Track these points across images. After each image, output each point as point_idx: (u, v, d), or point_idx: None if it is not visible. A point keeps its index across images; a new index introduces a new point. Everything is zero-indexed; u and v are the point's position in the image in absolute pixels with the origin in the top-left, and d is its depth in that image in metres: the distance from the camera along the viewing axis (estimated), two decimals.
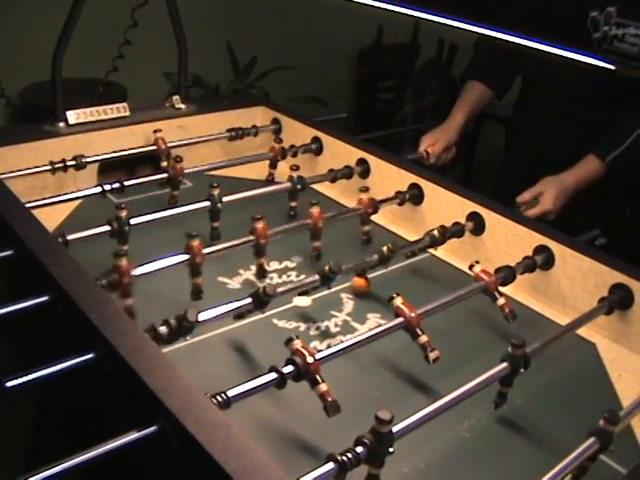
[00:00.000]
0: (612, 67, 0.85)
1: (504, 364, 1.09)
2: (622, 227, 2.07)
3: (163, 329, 1.09)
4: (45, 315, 1.11)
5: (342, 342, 1.13)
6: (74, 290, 1.05)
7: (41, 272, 1.11)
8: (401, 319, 1.19)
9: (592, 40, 0.86)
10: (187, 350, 1.20)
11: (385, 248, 1.40)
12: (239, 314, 1.20)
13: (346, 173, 1.80)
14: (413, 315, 1.19)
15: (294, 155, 1.93)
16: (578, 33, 0.84)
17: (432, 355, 1.19)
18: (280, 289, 1.24)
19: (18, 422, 1.33)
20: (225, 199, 1.56)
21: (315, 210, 1.50)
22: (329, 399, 1.05)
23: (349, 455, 0.86)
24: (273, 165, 1.92)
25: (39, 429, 1.31)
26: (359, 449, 0.88)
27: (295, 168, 1.71)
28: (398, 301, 1.20)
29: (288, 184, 1.70)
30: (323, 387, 1.05)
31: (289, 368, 1.03)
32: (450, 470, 1.05)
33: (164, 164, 1.82)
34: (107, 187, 1.60)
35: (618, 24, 0.90)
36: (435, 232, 1.50)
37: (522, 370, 1.11)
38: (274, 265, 1.53)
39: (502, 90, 2.32)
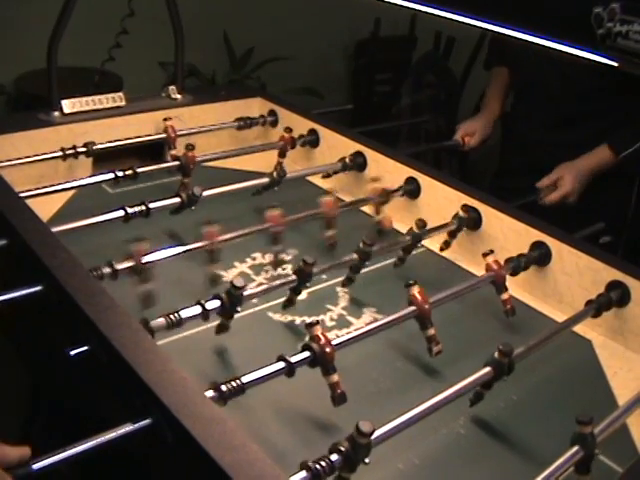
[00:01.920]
0: (615, 64, 0.84)
1: (487, 369, 1.08)
2: (624, 224, 2.07)
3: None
4: (38, 306, 1.10)
5: (356, 330, 1.15)
6: (68, 281, 1.04)
7: (35, 262, 1.10)
8: (414, 308, 1.20)
9: (596, 36, 0.85)
10: (181, 343, 1.19)
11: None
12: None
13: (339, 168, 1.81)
14: (426, 306, 1.20)
15: (292, 147, 1.92)
16: (582, 29, 0.84)
17: (435, 349, 1.20)
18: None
19: (10, 415, 1.32)
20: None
21: (328, 199, 1.52)
22: (338, 390, 1.06)
23: (322, 463, 0.85)
24: (283, 155, 1.91)
25: (32, 422, 1.31)
26: (334, 457, 0.86)
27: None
28: (415, 290, 1.20)
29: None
30: (335, 377, 1.06)
31: (305, 354, 1.04)
32: (445, 466, 1.05)
33: (173, 152, 1.81)
34: (119, 173, 1.61)
35: (622, 21, 0.90)
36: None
37: (505, 378, 1.09)
38: (270, 258, 1.52)
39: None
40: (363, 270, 1.44)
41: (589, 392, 1.26)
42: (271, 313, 1.34)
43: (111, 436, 0.83)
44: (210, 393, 0.95)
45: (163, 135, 1.85)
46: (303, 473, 0.83)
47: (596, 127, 2.05)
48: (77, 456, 0.81)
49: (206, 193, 1.54)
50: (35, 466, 0.78)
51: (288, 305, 1.32)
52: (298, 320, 1.33)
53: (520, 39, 0.93)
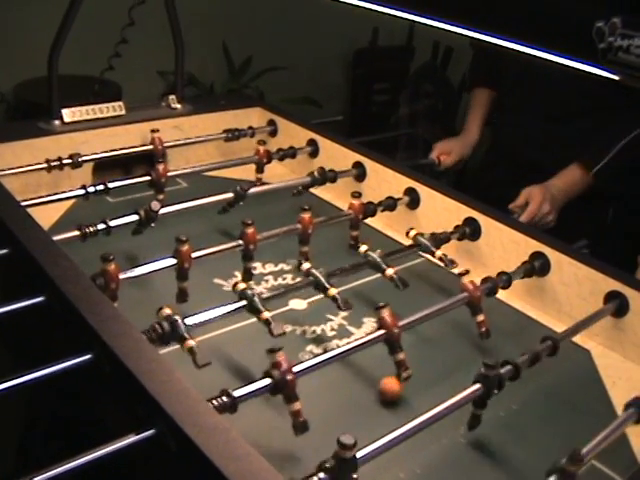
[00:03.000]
0: (617, 78, 0.85)
1: (477, 385, 1.07)
2: (604, 235, 2.06)
3: None
4: (41, 316, 1.10)
5: (317, 355, 1.12)
6: (71, 291, 1.04)
7: (37, 272, 1.10)
8: (383, 331, 1.17)
9: (597, 51, 0.86)
10: (181, 353, 1.19)
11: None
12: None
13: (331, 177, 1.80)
14: (396, 330, 1.17)
15: (293, 157, 1.92)
16: (583, 43, 0.85)
17: (404, 374, 1.17)
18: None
19: (7, 425, 1.32)
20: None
21: (306, 216, 1.49)
22: (300, 419, 1.04)
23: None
24: (260, 169, 1.88)
25: (30, 433, 1.30)
26: (321, 475, 0.85)
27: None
28: (385, 312, 1.18)
29: (308, 179, 1.75)
30: (297, 405, 1.04)
31: (266, 381, 1.02)
32: (446, 476, 1.06)
33: (160, 166, 1.80)
34: (91, 189, 1.57)
35: (623, 35, 0.91)
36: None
37: (496, 392, 1.08)
38: (269, 267, 1.53)
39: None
40: (364, 279, 1.45)
41: (588, 402, 1.26)
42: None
43: (115, 447, 0.83)
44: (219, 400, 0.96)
45: (150, 147, 1.83)
46: None
47: (582, 129, 2.04)
48: (80, 468, 0.81)
49: (171, 209, 1.51)
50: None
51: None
52: (299, 330, 1.34)
53: (519, 52, 0.93)
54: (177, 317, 1.10)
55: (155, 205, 1.44)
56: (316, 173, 1.76)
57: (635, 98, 1.75)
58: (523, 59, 1.89)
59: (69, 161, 1.67)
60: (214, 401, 0.96)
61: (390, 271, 1.38)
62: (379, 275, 1.42)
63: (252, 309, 1.19)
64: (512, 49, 0.96)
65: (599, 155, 1.97)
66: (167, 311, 1.11)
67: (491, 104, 2.34)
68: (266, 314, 1.19)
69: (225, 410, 0.96)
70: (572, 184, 1.97)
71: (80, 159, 1.69)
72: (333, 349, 1.12)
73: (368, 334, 1.17)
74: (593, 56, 0.82)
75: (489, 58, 2.27)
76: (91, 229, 1.37)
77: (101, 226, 1.39)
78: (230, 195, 1.60)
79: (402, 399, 1.20)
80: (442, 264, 1.50)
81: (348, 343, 1.15)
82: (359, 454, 0.88)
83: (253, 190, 1.64)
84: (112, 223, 1.40)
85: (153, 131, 1.83)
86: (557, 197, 1.95)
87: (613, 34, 0.85)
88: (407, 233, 1.51)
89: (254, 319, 1.23)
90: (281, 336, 1.18)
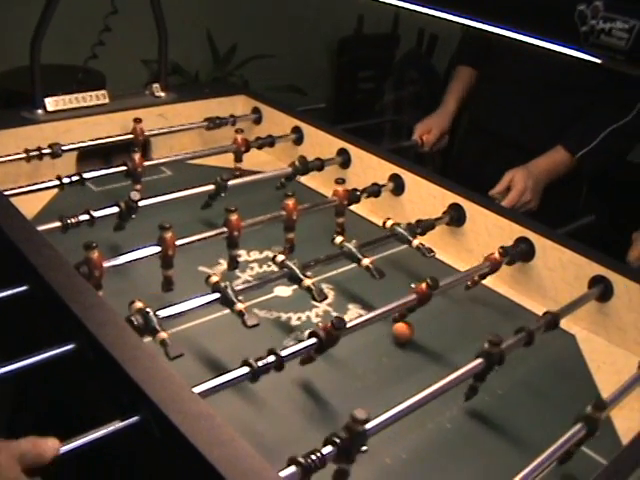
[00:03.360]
0: (599, 61, 0.85)
1: (479, 360, 1.09)
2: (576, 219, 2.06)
3: None
4: (24, 305, 1.10)
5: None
6: (54, 279, 1.04)
7: (20, 261, 1.10)
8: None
9: (579, 34, 0.86)
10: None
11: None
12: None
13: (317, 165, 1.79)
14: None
15: (271, 145, 1.92)
16: (565, 26, 0.85)
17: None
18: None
19: None
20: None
21: (290, 202, 1.48)
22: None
23: (313, 457, 0.85)
24: (238, 158, 1.86)
25: (16, 421, 1.30)
26: (326, 450, 0.86)
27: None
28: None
29: (289, 169, 1.73)
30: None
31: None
32: (432, 460, 1.06)
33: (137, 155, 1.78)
34: (66, 180, 1.54)
35: (605, 18, 0.91)
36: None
37: (497, 367, 1.10)
38: (254, 255, 1.53)
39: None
40: (349, 267, 1.45)
41: (573, 386, 1.27)
42: (257, 310, 1.34)
43: (99, 434, 0.83)
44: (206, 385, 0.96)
45: (131, 136, 1.81)
46: (292, 468, 0.83)
47: (566, 107, 2.03)
48: (64, 455, 0.81)
49: (153, 200, 1.49)
50: None
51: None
52: (284, 317, 1.34)
53: (502, 36, 0.93)
54: (149, 310, 1.10)
55: (134, 195, 1.43)
56: (297, 163, 1.75)
57: (621, 81, 1.75)
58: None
59: (48, 151, 1.66)
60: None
61: (366, 261, 1.38)
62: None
63: (226, 301, 1.19)
64: (495, 33, 0.96)
65: (585, 139, 1.96)
66: (139, 305, 1.10)
67: (471, 83, 2.31)
68: (239, 306, 1.18)
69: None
70: (555, 165, 1.97)
71: (60, 149, 1.67)
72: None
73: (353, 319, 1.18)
74: (575, 39, 0.82)
75: (478, 40, 2.25)
76: (73, 220, 1.36)
77: (84, 217, 1.37)
78: (211, 187, 1.59)
79: (390, 380, 1.21)
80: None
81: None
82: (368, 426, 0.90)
83: (235, 181, 1.63)
84: (95, 214, 1.39)
85: (136, 120, 1.82)
86: (539, 179, 1.94)
87: (595, 17, 0.85)
88: (384, 223, 1.50)
89: (227, 310, 1.22)
90: (255, 327, 1.17)
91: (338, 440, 0.87)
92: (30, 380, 1.04)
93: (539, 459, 0.92)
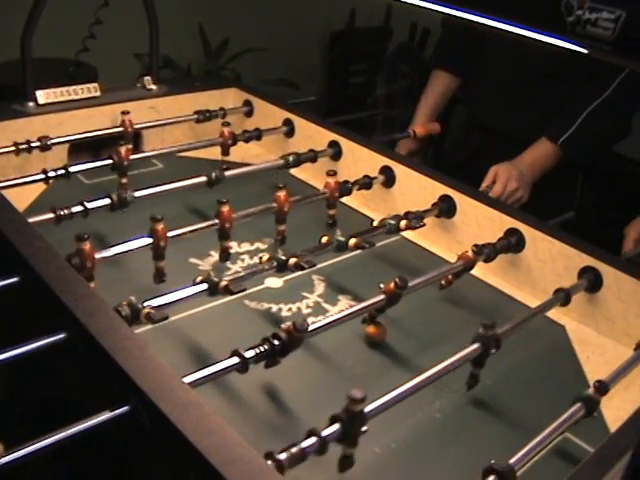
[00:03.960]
0: (585, 51, 0.85)
1: (475, 345, 1.10)
2: (573, 209, 2.06)
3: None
4: (15, 297, 1.10)
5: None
6: (45, 270, 1.04)
7: (11, 253, 1.10)
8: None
9: (566, 24, 0.86)
10: (157, 331, 1.19)
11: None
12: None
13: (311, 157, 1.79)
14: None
15: (258, 138, 1.92)
16: (552, 16, 0.85)
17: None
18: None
19: None
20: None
21: (282, 194, 1.49)
22: None
23: (328, 432, 0.87)
24: (225, 151, 1.85)
25: (5, 415, 1.30)
26: (335, 427, 0.88)
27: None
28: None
29: (281, 161, 1.73)
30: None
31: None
32: (421, 450, 1.06)
33: (129, 147, 1.77)
34: (51, 174, 1.53)
35: (591, 8, 0.91)
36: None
37: (493, 350, 1.11)
38: (245, 246, 1.53)
39: (469, 73, 2.30)
40: (339, 258, 1.46)
41: (562, 376, 1.27)
42: (247, 301, 1.34)
43: (89, 424, 0.83)
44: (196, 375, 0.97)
45: (120, 129, 1.81)
46: (313, 439, 0.86)
47: (552, 97, 2.04)
48: (54, 445, 0.81)
49: (144, 192, 1.49)
50: (6, 459, 0.78)
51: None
52: (274, 308, 1.34)
53: (489, 26, 0.94)
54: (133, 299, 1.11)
55: (130, 195, 1.44)
56: (290, 158, 1.74)
57: (599, 68, 1.76)
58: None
59: (38, 144, 1.65)
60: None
61: (352, 241, 1.39)
62: (354, 253, 1.45)
63: (211, 286, 1.19)
64: (482, 24, 0.97)
65: (565, 125, 1.97)
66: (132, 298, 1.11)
67: (445, 90, 2.30)
68: (223, 283, 1.19)
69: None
70: (541, 157, 1.97)
71: (49, 142, 1.67)
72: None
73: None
74: (562, 29, 0.83)
75: (458, 40, 2.25)
76: (65, 212, 1.36)
77: (77, 209, 1.37)
78: (202, 179, 1.59)
79: (379, 372, 1.21)
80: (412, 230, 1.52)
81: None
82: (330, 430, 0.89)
83: (225, 173, 1.63)
84: (89, 205, 1.38)
85: (124, 113, 1.81)
86: (526, 173, 1.95)
87: (581, 7, 0.86)
88: (371, 223, 1.51)
89: (218, 302, 1.24)
90: (241, 292, 1.19)
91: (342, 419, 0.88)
92: (19, 370, 1.04)
93: (536, 439, 0.94)
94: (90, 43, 2.36)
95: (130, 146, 1.68)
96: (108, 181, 1.68)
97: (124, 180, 1.64)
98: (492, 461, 0.86)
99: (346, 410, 0.89)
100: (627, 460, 0.82)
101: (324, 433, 0.87)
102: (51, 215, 1.34)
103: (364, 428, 0.91)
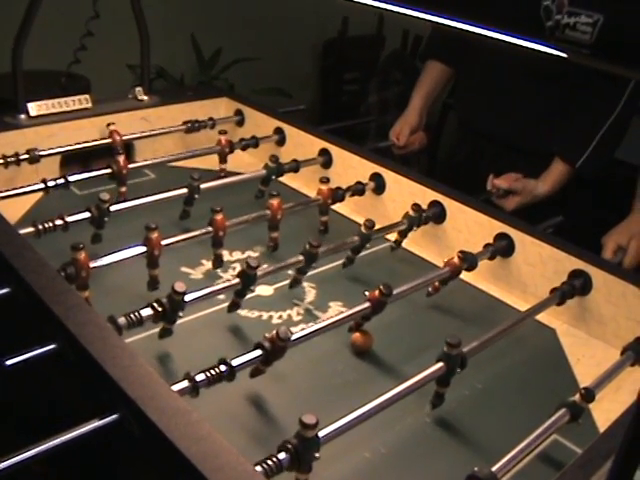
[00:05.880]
0: (564, 55, 0.86)
1: (440, 364, 1.08)
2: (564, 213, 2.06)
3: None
4: (6, 308, 1.11)
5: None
6: (35, 281, 1.05)
7: (2, 264, 1.10)
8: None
9: (545, 28, 0.87)
10: (147, 340, 1.20)
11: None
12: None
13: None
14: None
15: (255, 146, 1.93)
16: (531, 21, 0.86)
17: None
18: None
19: None
20: (203, 186, 1.59)
21: (275, 202, 1.50)
22: None
23: (269, 463, 0.85)
24: (223, 159, 1.87)
25: None
26: (282, 456, 0.86)
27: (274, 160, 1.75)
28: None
29: (263, 171, 1.74)
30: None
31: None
32: (411, 455, 1.06)
33: (121, 157, 1.78)
34: (51, 183, 1.55)
35: (570, 13, 0.92)
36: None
37: (459, 370, 1.10)
38: (236, 255, 1.54)
39: (461, 65, 2.28)
40: (330, 265, 1.47)
41: (553, 379, 1.28)
42: (238, 309, 1.34)
43: (78, 432, 0.84)
44: (184, 384, 0.97)
45: (109, 140, 1.81)
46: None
47: (543, 98, 2.02)
48: (43, 454, 0.81)
49: (133, 203, 1.50)
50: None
51: (233, 309, 1.30)
52: (265, 315, 1.35)
53: (467, 32, 0.94)
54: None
55: (104, 195, 1.43)
56: (269, 162, 1.76)
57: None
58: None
59: (26, 157, 1.66)
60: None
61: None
62: (344, 260, 1.46)
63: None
64: (460, 29, 0.97)
65: (581, 147, 1.95)
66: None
67: (439, 78, 2.29)
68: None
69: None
70: (558, 184, 1.97)
71: (38, 154, 1.67)
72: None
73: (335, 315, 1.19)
74: (541, 34, 0.83)
75: (447, 34, 2.24)
76: (50, 224, 1.36)
77: (59, 222, 1.38)
78: (184, 190, 1.59)
79: (368, 379, 1.21)
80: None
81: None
82: (321, 433, 0.89)
83: (212, 183, 1.64)
84: (69, 219, 1.39)
85: (109, 125, 1.82)
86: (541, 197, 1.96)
87: (560, 12, 0.87)
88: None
89: (209, 310, 1.27)
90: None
91: (290, 446, 0.87)
92: (10, 380, 1.05)
93: (521, 445, 0.95)
94: (83, 55, 2.36)
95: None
96: (101, 192, 1.68)
97: (123, 189, 1.66)
98: (475, 468, 0.87)
99: (298, 436, 0.87)
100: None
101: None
102: (40, 227, 1.35)
103: (317, 455, 0.89)
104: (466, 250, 1.42)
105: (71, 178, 1.58)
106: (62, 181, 1.57)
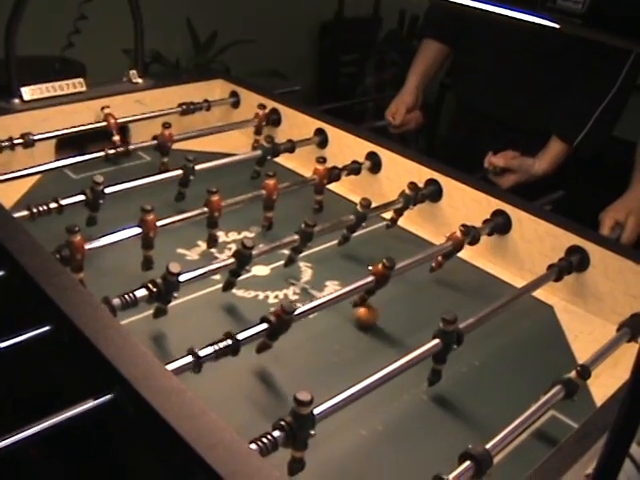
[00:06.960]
0: (556, 26, 0.85)
1: (436, 341, 1.08)
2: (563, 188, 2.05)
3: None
4: (1, 290, 1.10)
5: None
6: (29, 263, 1.04)
7: None
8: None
9: None
10: (143, 321, 1.20)
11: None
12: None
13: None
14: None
15: (267, 123, 1.94)
16: None
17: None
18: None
19: None
20: (198, 167, 1.59)
21: (271, 182, 1.50)
22: None
23: (264, 440, 0.85)
24: (259, 132, 1.94)
25: None
26: (276, 433, 0.86)
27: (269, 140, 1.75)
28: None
29: (259, 152, 1.74)
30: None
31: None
32: (408, 432, 1.06)
33: (116, 138, 1.78)
34: (66, 162, 1.56)
35: None
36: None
37: (455, 347, 1.09)
38: (233, 235, 1.53)
39: (457, 44, 2.27)
40: (326, 245, 1.46)
41: (551, 356, 1.28)
42: (234, 289, 1.34)
43: (73, 412, 0.84)
44: (182, 361, 0.98)
45: (104, 123, 1.81)
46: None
47: (537, 76, 2.02)
48: (38, 435, 0.81)
49: (128, 185, 1.50)
50: None
51: (228, 288, 1.30)
52: (261, 295, 1.34)
53: (461, 4, 0.93)
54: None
55: (98, 177, 1.42)
56: (265, 142, 1.75)
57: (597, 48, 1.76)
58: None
59: (21, 141, 1.65)
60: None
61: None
62: (337, 240, 1.47)
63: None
64: (451, 1, 0.97)
65: (579, 125, 1.95)
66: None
67: (436, 56, 2.28)
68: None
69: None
70: (556, 162, 1.96)
71: (32, 139, 1.67)
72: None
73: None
74: (532, 4, 0.83)
75: (444, 11, 2.23)
76: (44, 207, 1.36)
77: (53, 205, 1.37)
78: (179, 172, 1.59)
79: (369, 356, 1.21)
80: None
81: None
82: (317, 410, 0.89)
83: (207, 164, 1.63)
84: (64, 202, 1.38)
85: (103, 108, 1.82)
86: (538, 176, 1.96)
87: None
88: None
89: (205, 290, 1.26)
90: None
91: (284, 424, 0.86)
92: (5, 362, 1.05)
93: (516, 422, 0.95)
94: (78, 40, 2.36)
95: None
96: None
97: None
98: (469, 446, 0.87)
99: (293, 414, 0.87)
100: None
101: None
102: (27, 212, 1.34)
103: (312, 432, 0.88)
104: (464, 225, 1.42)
105: (65, 162, 1.58)
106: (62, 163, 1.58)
